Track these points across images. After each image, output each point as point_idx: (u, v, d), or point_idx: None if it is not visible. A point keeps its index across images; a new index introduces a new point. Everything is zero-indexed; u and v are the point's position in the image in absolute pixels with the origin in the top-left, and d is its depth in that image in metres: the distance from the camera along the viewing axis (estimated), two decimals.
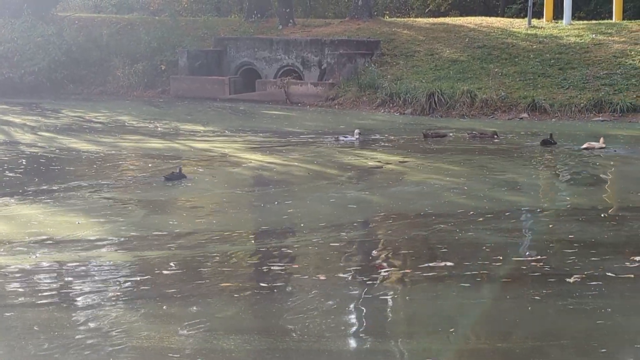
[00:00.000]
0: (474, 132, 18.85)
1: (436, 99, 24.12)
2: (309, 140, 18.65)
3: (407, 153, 16.21)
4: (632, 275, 7.95)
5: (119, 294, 7.64)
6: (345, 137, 18.58)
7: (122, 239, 9.60)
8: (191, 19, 37.01)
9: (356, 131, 18.73)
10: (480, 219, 10.42)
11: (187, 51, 30.75)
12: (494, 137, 18.25)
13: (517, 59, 26.41)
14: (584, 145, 16.70)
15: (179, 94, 29.89)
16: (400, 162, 15.18)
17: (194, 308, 7.21)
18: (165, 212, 11.13)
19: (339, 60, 27.74)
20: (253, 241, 9.78)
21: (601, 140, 16.79)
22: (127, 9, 40.72)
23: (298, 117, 23.93)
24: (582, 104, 22.86)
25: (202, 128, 21.20)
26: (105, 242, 9.46)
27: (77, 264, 8.59)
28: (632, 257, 8.51)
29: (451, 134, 18.80)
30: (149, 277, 8.15)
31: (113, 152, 17.01)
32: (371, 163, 15.18)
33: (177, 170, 13.51)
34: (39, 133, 20.41)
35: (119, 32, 34.14)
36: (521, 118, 22.72)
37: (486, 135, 18.48)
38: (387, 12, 42.12)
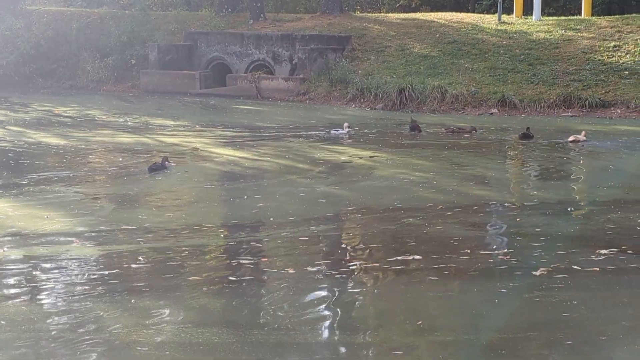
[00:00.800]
0: (452, 127, 18.96)
1: (407, 94, 24.20)
2: (280, 135, 18.66)
3: (377, 148, 16.25)
4: (598, 269, 8.05)
5: (87, 287, 7.63)
6: (336, 130, 18.79)
7: (91, 233, 9.57)
8: (162, 13, 36.84)
9: (345, 124, 18.95)
10: (449, 213, 10.50)
11: (157, 45, 30.62)
12: (473, 131, 18.42)
13: (487, 55, 26.56)
14: (570, 139, 17.06)
15: (149, 89, 29.77)
16: (370, 157, 15.22)
17: (163, 302, 7.22)
18: (134, 207, 11.11)
19: (310, 55, 27.75)
20: (222, 235, 9.78)
21: (583, 133, 17.21)
22: (96, 2, 40.49)
23: (269, 112, 23.92)
24: (551, 100, 23.04)
25: (172, 122, 21.13)
26: (74, 236, 9.42)
27: (46, 258, 8.57)
28: (597, 251, 8.61)
29: (476, 130, 18.73)
30: (118, 271, 8.14)
31: (83, 146, 16.92)
32: (342, 158, 15.21)
33: (161, 162, 13.74)
34: (7, 127, 20.27)
35: (88, 26, 33.90)
36: (491, 113, 22.86)
37: (464, 130, 18.61)
38: (358, 7, 42.12)
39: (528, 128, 18.01)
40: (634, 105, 22.25)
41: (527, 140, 17.31)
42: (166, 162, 13.82)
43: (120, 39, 31.79)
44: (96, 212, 10.66)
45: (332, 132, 18.70)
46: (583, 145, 16.61)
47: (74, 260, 8.54)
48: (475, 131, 18.43)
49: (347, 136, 18.31)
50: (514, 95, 23.45)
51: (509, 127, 19.61)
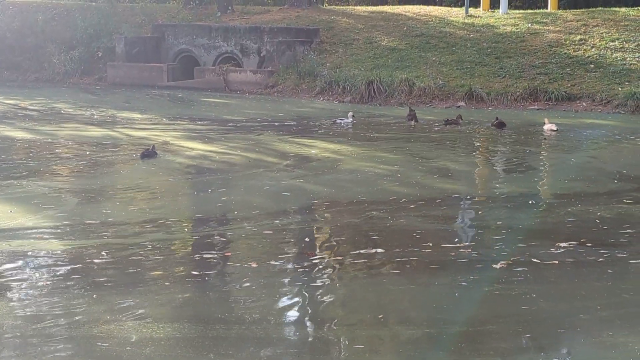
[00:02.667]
0: (447, 119, 19.25)
1: (375, 87, 24.26)
2: (249, 127, 18.66)
3: (344, 141, 16.30)
4: (557, 262, 8.15)
5: (49, 282, 7.62)
6: (341, 119, 19.33)
7: (55, 228, 9.54)
8: (128, 5, 36.60)
9: (350, 114, 19.49)
10: (412, 206, 10.57)
11: (124, 38, 30.43)
12: (459, 120, 19.04)
13: (454, 48, 26.67)
14: (546, 127, 17.91)
15: (116, 81, 29.60)
16: (336, 150, 15.26)
17: (125, 296, 7.22)
18: (98, 201, 11.06)
19: (278, 47, 27.73)
20: (186, 229, 9.79)
21: (553, 125, 18.07)
22: None
23: (237, 105, 23.88)
24: (518, 93, 23.20)
25: (139, 116, 21.04)
26: (37, 231, 9.38)
27: (9, 252, 8.53)
28: (557, 244, 8.73)
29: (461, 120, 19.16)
30: (80, 265, 8.12)
31: (49, 140, 16.80)
32: (309, 151, 15.24)
33: (151, 148, 14.43)
34: None
35: (54, 18, 33.63)
36: (458, 106, 22.98)
37: (454, 120, 19.00)
38: (327, 0, 42.14)
39: (497, 118, 18.71)
40: (599, 99, 22.45)
41: (501, 129, 17.96)
42: (154, 149, 14.55)
43: (87, 31, 31.55)
44: (60, 207, 10.62)
45: (338, 121, 19.25)
46: (557, 130, 17.62)
47: (36, 255, 8.51)
48: (462, 119, 19.06)
49: (351, 125, 18.90)
50: (481, 88, 23.58)
51: (476, 120, 19.74)
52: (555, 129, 17.90)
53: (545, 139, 16.85)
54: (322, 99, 24.92)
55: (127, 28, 31.84)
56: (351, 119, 19.22)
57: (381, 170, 13.18)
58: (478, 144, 16.60)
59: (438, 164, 13.88)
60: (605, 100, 22.32)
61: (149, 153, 14.30)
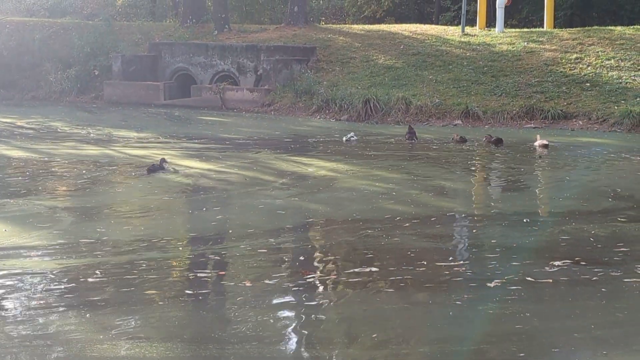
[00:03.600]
0: (489, 136, 19.39)
1: (372, 105, 24.33)
2: (246, 146, 18.68)
3: (341, 159, 16.32)
4: (551, 280, 8.14)
5: (42, 302, 7.60)
6: (351, 136, 19.74)
7: (49, 247, 9.52)
8: (125, 24, 36.73)
9: (351, 133, 20.00)
10: (407, 224, 10.57)
11: (121, 56, 30.51)
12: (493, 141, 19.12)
13: (451, 66, 26.76)
14: (537, 143, 18.31)
15: (113, 100, 29.66)
16: (333, 168, 15.28)
17: (118, 316, 7.20)
18: (94, 219, 11.05)
19: (275, 66, 27.80)
20: (180, 248, 9.77)
21: (544, 140, 18.50)
22: (60, 12, 40.26)
23: (234, 123, 23.92)
24: (514, 111, 23.27)
25: (136, 134, 21.06)
26: (31, 250, 9.37)
27: (3, 271, 8.50)
28: (551, 262, 8.71)
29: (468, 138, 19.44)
30: (74, 285, 8.10)
31: (45, 158, 16.81)
32: (306, 169, 15.25)
33: (159, 163, 14.93)
34: None
35: (51, 37, 33.75)
36: (455, 125, 23.02)
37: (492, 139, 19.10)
38: (323, 19, 42.30)
39: (490, 135, 19.05)
40: (595, 117, 22.51)
41: (497, 146, 18.28)
42: (164, 164, 14.95)
43: (84, 50, 31.65)
44: (55, 226, 10.61)
45: (352, 137, 19.60)
46: (547, 146, 18.02)
47: (30, 274, 8.48)
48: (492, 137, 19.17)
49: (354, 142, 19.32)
50: (477, 106, 23.65)
51: (473, 138, 19.77)
52: (546, 143, 18.13)
53: (540, 157, 16.89)
54: (318, 117, 24.96)
55: (124, 46, 31.93)
56: (355, 136, 19.66)
57: (377, 188, 13.19)
58: (474, 162, 16.61)
59: (434, 182, 13.89)
60: (601, 118, 22.38)
61: (154, 168, 14.67)
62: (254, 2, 42.73)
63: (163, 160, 15.11)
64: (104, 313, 7.30)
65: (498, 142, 18.50)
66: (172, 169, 14.90)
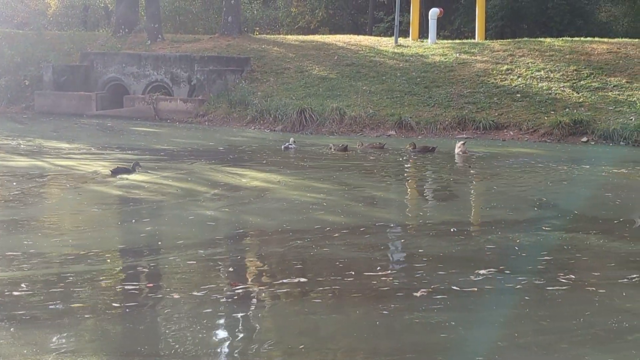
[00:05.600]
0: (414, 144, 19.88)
1: (307, 116, 24.45)
2: (179, 157, 18.58)
3: (274, 170, 16.35)
4: (476, 289, 8.26)
5: None
6: (289, 144, 20.09)
7: None
8: (57, 33, 36.28)
9: (291, 139, 20.39)
10: (336, 235, 10.63)
11: (52, 66, 30.15)
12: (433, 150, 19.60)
13: (384, 77, 27.01)
14: (457, 149, 18.89)
15: (44, 110, 29.27)
16: (266, 178, 15.30)
17: (44, 330, 7.10)
18: (21, 232, 10.89)
19: (209, 76, 27.75)
20: (108, 260, 9.66)
21: (463, 146, 19.05)
22: None
23: (167, 134, 23.79)
24: (446, 122, 23.59)
25: (67, 145, 20.79)
26: None
27: None
28: (476, 271, 8.84)
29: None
30: None
31: None
32: (239, 180, 15.23)
33: (132, 166, 15.61)
34: None
35: None
36: (389, 135, 23.24)
37: (427, 148, 19.58)
38: (257, 29, 42.30)
39: (414, 144, 19.76)
40: (525, 127, 22.94)
41: (424, 154, 18.79)
42: (137, 167, 15.61)
43: (14, 60, 31.23)
44: None
45: (290, 146, 19.92)
46: (466, 152, 18.65)
47: None
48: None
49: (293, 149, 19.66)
50: (410, 117, 23.92)
51: (406, 149, 19.96)
52: (465, 150, 18.74)
53: (470, 167, 17.14)
54: (253, 127, 24.97)
55: (55, 56, 31.57)
56: (293, 144, 19.96)
57: (309, 198, 13.24)
58: (407, 172, 16.78)
59: (365, 192, 14.00)
60: (532, 129, 22.82)
61: (119, 170, 15.26)
62: (188, 12, 42.60)
63: (136, 163, 15.59)
64: (29, 327, 7.19)
65: (425, 150, 18.88)
66: (140, 171, 15.49)
